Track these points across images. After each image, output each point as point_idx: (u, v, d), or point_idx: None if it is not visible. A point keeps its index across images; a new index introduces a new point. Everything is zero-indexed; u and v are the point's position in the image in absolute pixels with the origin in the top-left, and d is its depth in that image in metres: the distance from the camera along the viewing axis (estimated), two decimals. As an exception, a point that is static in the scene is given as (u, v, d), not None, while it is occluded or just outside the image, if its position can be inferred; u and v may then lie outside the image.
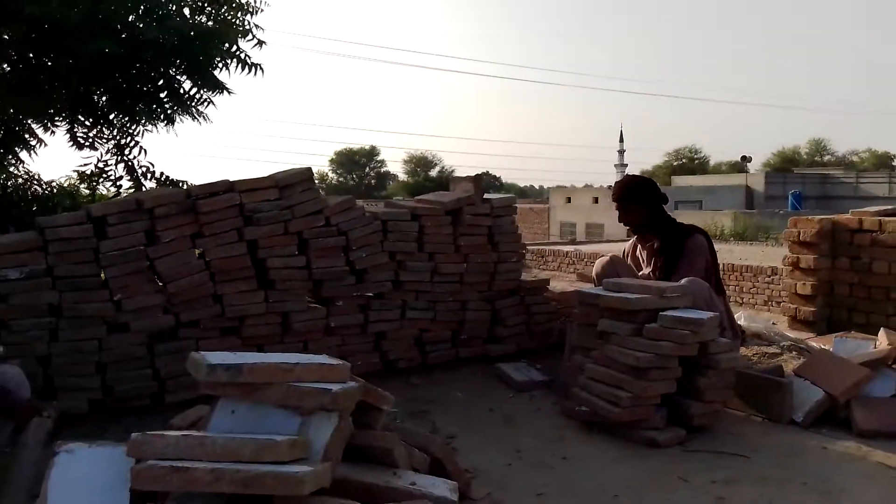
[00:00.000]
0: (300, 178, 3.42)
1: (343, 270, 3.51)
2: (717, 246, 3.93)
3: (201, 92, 5.30)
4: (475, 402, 3.33)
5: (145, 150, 5.55)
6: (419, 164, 57.21)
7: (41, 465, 2.15)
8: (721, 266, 4.43)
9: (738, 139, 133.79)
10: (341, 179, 58.73)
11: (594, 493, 2.39)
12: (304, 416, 1.89)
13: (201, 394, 2.89)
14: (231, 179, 3.27)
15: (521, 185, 73.77)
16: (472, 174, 4.04)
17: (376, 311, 3.60)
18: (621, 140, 61.99)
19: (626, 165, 58.87)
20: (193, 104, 5.33)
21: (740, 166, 38.41)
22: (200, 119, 5.44)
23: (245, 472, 1.58)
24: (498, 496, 2.33)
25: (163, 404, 2.99)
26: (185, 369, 3.05)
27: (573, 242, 17.25)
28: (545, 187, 51.96)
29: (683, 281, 3.16)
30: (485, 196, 3.92)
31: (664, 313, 2.89)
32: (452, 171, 52.57)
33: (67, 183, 6.35)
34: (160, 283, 3.09)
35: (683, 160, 48.10)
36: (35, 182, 6.07)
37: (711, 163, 49.60)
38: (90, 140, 5.54)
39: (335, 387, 1.90)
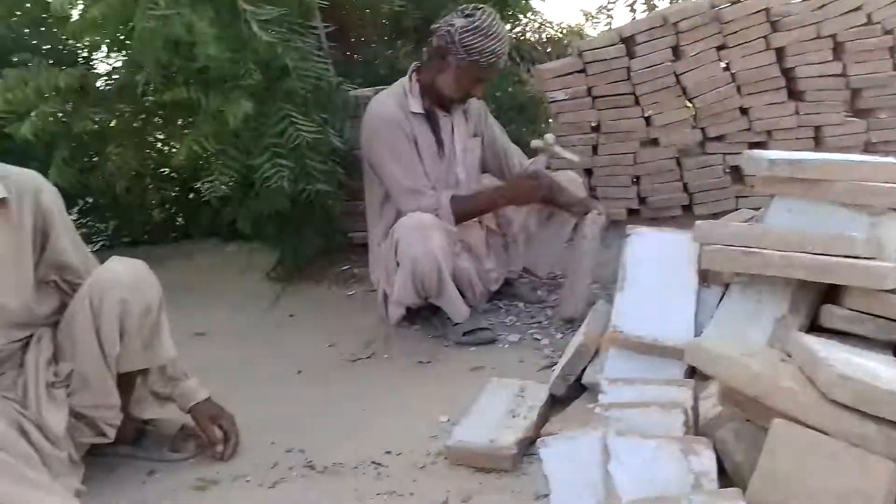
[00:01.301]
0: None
1: (888, 76, 3.04)
2: None
3: None
4: None
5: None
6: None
7: (597, 255, 2.51)
8: None
9: None
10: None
11: None
12: (873, 217, 1.75)
13: (725, 209, 2.99)
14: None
15: None
16: None
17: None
18: None
19: None
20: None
21: None
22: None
23: (821, 260, 1.56)
24: None
25: (692, 216, 3.13)
26: (712, 183, 3.17)
27: None
28: None
29: None
30: None
31: None
32: None
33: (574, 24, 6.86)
34: (687, 98, 3.15)
35: None
36: (548, 25, 6.71)
37: None
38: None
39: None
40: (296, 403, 2.14)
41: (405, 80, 2.43)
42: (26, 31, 3.09)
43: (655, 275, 1.83)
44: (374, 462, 1.78)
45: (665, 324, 1.69)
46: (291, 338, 2.69)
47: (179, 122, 2.82)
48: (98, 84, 2.64)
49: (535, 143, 2.53)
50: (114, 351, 1.65)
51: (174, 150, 3.05)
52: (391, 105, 2.39)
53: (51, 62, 2.46)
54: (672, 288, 1.77)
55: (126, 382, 1.78)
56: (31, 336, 1.71)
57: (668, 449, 1.24)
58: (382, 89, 2.60)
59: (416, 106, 2.40)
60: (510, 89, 3.77)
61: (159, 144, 3.53)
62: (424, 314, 2.53)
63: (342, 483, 1.72)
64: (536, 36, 6.55)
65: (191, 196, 4.17)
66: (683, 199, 3.20)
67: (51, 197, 1.70)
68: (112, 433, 1.77)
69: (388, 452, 1.82)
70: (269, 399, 2.17)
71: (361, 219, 3.31)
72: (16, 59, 2.53)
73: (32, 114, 2.27)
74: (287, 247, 3.14)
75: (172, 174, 3.94)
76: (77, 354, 1.66)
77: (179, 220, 4.23)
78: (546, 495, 1.55)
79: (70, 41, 2.78)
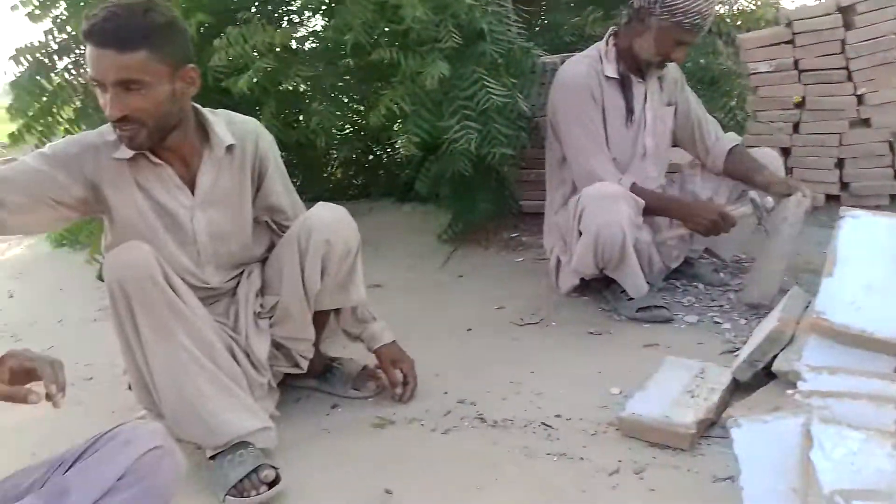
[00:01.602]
0: None
1: None
2: None
3: None
4: None
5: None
6: None
7: (795, 241, 2.34)
8: None
9: None
10: None
11: None
12: None
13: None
14: None
15: None
16: None
17: None
18: None
19: None
20: None
21: None
22: None
23: None
24: None
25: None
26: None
27: None
28: None
29: None
30: None
31: None
32: None
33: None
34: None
35: None
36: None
37: None
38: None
39: None
40: (466, 359, 2.21)
41: (601, 43, 2.38)
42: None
43: (869, 262, 1.68)
44: (543, 423, 1.80)
45: (876, 315, 1.55)
46: (460, 297, 2.76)
47: (377, 83, 2.94)
48: (304, 45, 2.84)
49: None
50: (314, 288, 1.78)
51: (366, 110, 3.19)
52: (583, 68, 2.34)
53: (266, 21, 2.65)
54: (887, 277, 1.62)
55: (319, 321, 1.92)
56: (242, 271, 1.88)
57: (878, 442, 1.15)
58: (569, 56, 2.56)
59: (611, 70, 2.33)
60: (702, 60, 3.58)
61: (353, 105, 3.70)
62: (595, 286, 2.50)
63: (512, 439, 1.76)
64: (727, 7, 6.18)
65: (370, 157, 4.38)
66: (893, 187, 2.90)
67: (267, 143, 1.85)
68: (305, 365, 1.93)
69: (558, 416, 1.83)
70: (441, 352, 2.26)
71: (534, 187, 3.33)
72: (238, 18, 2.75)
73: (249, 70, 2.47)
74: (460, 210, 3.21)
75: (361, 134, 4.13)
76: (283, 289, 1.81)
77: (358, 180, 4.45)
78: (725, 478, 1.50)
79: (285, 1, 2.98)
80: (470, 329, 2.44)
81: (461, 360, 2.20)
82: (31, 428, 2.05)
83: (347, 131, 4.04)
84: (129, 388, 1.80)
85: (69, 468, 1.12)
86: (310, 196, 4.24)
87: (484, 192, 3.09)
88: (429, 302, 2.74)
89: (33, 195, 1.58)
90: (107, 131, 1.66)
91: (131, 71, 1.49)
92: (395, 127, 3.29)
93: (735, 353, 1.99)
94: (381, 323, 2.00)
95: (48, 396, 1.16)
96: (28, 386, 1.17)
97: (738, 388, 1.81)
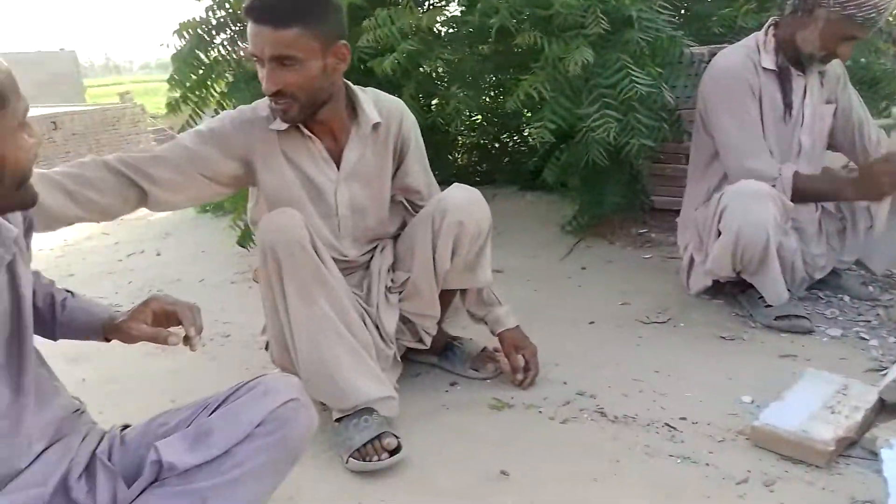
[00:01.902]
0: None
1: None
2: None
3: None
4: None
5: None
6: None
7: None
8: None
9: None
10: None
11: None
12: None
13: None
14: None
15: None
16: None
17: None
18: None
19: None
20: None
21: None
22: None
23: None
24: None
25: None
26: None
27: None
28: None
29: None
30: None
31: None
32: None
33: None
34: None
35: None
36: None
37: None
38: None
39: None
40: (588, 351, 2.17)
41: (759, 33, 2.25)
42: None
43: None
44: (667, 424, 1.75)
45: None
46: (583, 290, 2.72)
47: (513, 68, 2.92)
48: (447, 28, 2.85)
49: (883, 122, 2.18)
50: (444, 267, 1.81)
51: (502, 96, 3.18)
52: (739, 58, 2.22)
53: (413, 4, 2.69)
54: None
55: (445, 299, 1.95)
56: (376, 246, 1.94)
57: None
58: (719, 48, 2.44)
59: (769, 62, 2.20)
60: (862, 59, 3.31)
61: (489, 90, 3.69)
62: (728, 290, 2.39)
63: (633, 436, 1.72)
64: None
65: (497, 144, 4.38)
66: None
67: (410, 123, 1.89)
68: (428, 341, 1.97)
69: (683, 419, 1.77)
70: (562, 342, 2.23)
71: (668, 182, 3.22)
72: (388, 0, 2.80)
73: (394, 52, 2.52)
74: (588, 201, 3.16)
75: (494, 119, 4.12)
76: (413, 266, 1.85)
77: (482, 166, 4.47)
78: (865, 501, 1.40)
79: None
80: (592, 322, 2.40)
81: (582, 353, 2.17)
82: (171, 378, 2.22)
83: (477, 117, 4.06)
84: (266, 347, 1.90)
85: (213, 412, 1.19)
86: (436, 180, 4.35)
87: (615, 185, 3.02)
88: (550, 291, 2.72)
89: (186, 173, 1.69)
90: (260, 106, 1.76)
91: (285, 47, 1.56)
92: (528, 113, 3.27)
93: (882, 373, 1.86)
94: (505, 307, 2.00)
95: (186, 339, 1.23)
96: (169, 329, 1.25)
97: (884, 410, 1.68)
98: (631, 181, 3.10)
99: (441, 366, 2.09)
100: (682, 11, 3.42)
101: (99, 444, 1.19)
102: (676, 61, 2.61)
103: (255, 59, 1.62)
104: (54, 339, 1.30)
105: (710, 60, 2.37)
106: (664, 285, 2.63)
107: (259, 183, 1.78)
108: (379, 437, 1.63)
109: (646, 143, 2.37)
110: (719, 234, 2.15)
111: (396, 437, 1.65)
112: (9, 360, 1.06)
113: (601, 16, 2.25)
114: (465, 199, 1.79)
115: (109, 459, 1.17)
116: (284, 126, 1.71)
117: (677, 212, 2.56)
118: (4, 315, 1.05)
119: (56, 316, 1.29)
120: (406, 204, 1.96)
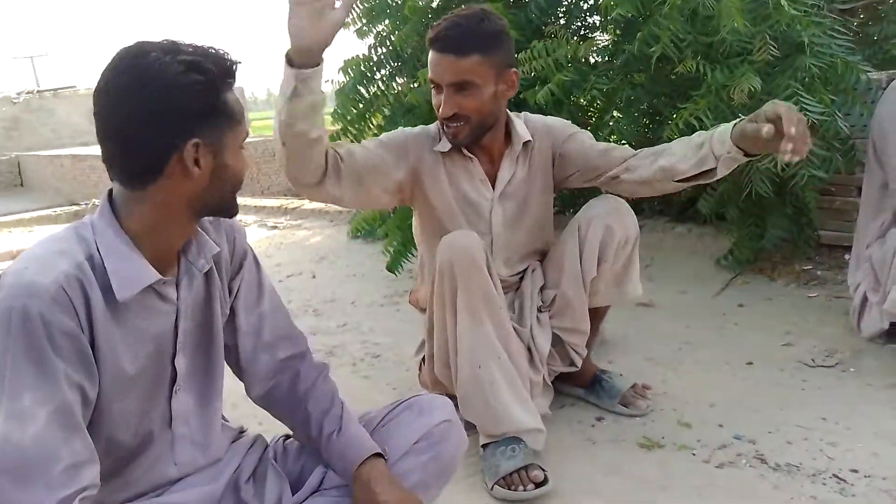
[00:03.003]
0: None
1: None
2: None
3: None
4: None
5: None
6: None
7: None
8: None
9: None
10: None
11: None
12: None
13: None
14: None
15: None
16: None
17: None
18: None
19: None
20: None
21: None
22: None
23: None
24: None
25: None
26: None
27: None
28: None
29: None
30: None
31: None
32: None
33: None
34: None
35: None
36: None
37: None
38: None
39: None
40: (746, 393, 2.05)
41: None
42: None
43: None
44: (836, 476, 1.62)
45: None
46: (740, 328, 2.58)
47: (668, 96, 2.85)
48: (601, 58, 2.84)
49: None
50: (591, 274, 1.81)
51: (657, 124, 3.08)
52: None
53: (570, 35, 2.71)
54: None
55: (592, 324, 1.92)
56: (527, 268, 1.96)
57: None
58: (899, 73, 2.25)
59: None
60: None
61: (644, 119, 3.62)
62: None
63: (797, 486, 1.60)
64: None
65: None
66: None
67: (560, 124, 1.92)
68: (579, 362, 1.94)
69: (854, 471, 1.63)
70: (716, 383, 2.13)
71: (837, 216, 2.99)
72: (544, 32, 2.83)
73: (549, 83, 2.55)
74: (747, 235, 2.99)
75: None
76: (562, 279, 1.86)
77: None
78: None
79: (592, 15, 2.99)
80: (750, 363, 2.27)
81: (740, 394, 2.05)
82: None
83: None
84: (420, 367, 1.95)
85: (373, 430, 1.24)
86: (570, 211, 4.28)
87: (777, 217, 2.84)
88: (703, 328, 2.60)
89: (366, 167, 1.71)
90: (430, 128, 1.85)
91: (465, 73, 1.64)
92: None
93: None
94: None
95: None
96: None
97: None
98: (796, 214, 2.91)
99: (587, 399, 2.05)
100: (860, 34, 3.19)
101: (265, 450, 1.28)
102: (852, 88, 2.43)
103: (433, 84, 1.70)
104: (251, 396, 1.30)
105: (887, 86, 2.19)
106: (832, 327, 2.44)
107: (424, 197, 1.84)
108: (526, 467, 1.63)
109: (817, 174, 2.22)
110: (900, 273, 1.97)
111: (544, 471, 1.64)
112: (194, 369, 1.16)
113: (770, 42, 2.15)
114: (611, 207, 1.81)
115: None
116: (448, 147, 1.78)
117: (847, 248, 2.38)
118: (198, 327, 1.15)
119: (298, 399, 1.26)
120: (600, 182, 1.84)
